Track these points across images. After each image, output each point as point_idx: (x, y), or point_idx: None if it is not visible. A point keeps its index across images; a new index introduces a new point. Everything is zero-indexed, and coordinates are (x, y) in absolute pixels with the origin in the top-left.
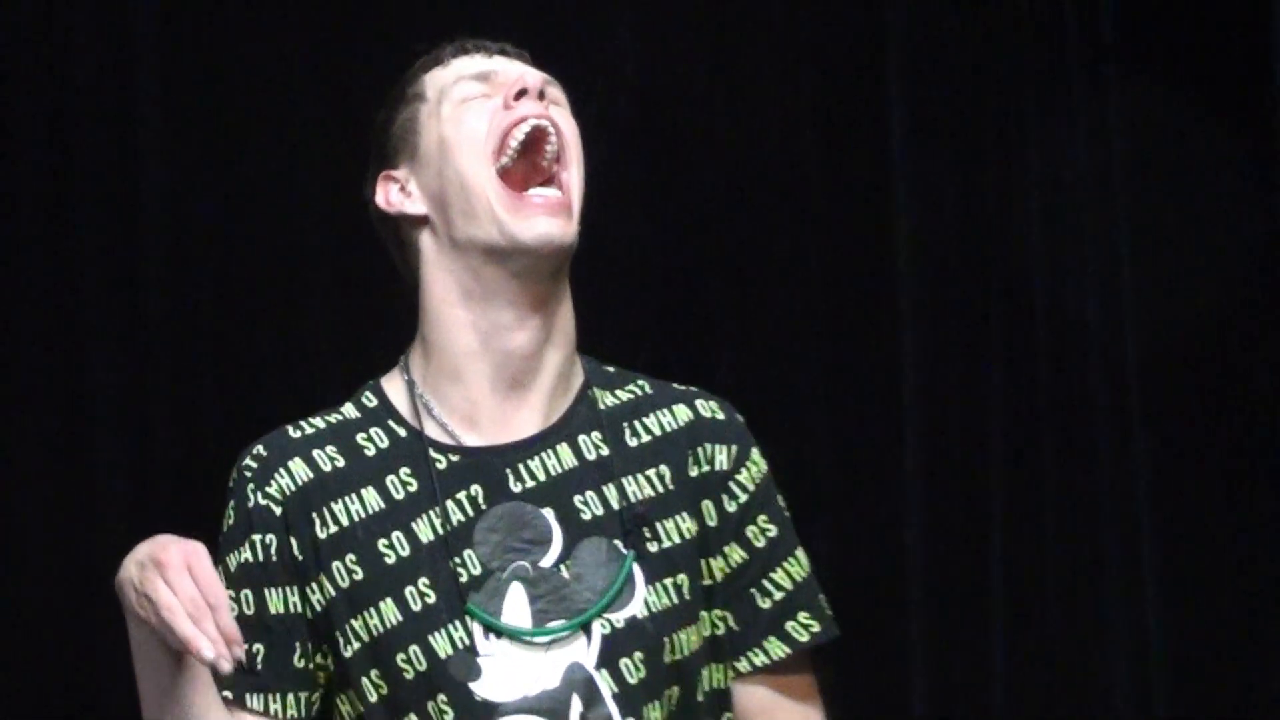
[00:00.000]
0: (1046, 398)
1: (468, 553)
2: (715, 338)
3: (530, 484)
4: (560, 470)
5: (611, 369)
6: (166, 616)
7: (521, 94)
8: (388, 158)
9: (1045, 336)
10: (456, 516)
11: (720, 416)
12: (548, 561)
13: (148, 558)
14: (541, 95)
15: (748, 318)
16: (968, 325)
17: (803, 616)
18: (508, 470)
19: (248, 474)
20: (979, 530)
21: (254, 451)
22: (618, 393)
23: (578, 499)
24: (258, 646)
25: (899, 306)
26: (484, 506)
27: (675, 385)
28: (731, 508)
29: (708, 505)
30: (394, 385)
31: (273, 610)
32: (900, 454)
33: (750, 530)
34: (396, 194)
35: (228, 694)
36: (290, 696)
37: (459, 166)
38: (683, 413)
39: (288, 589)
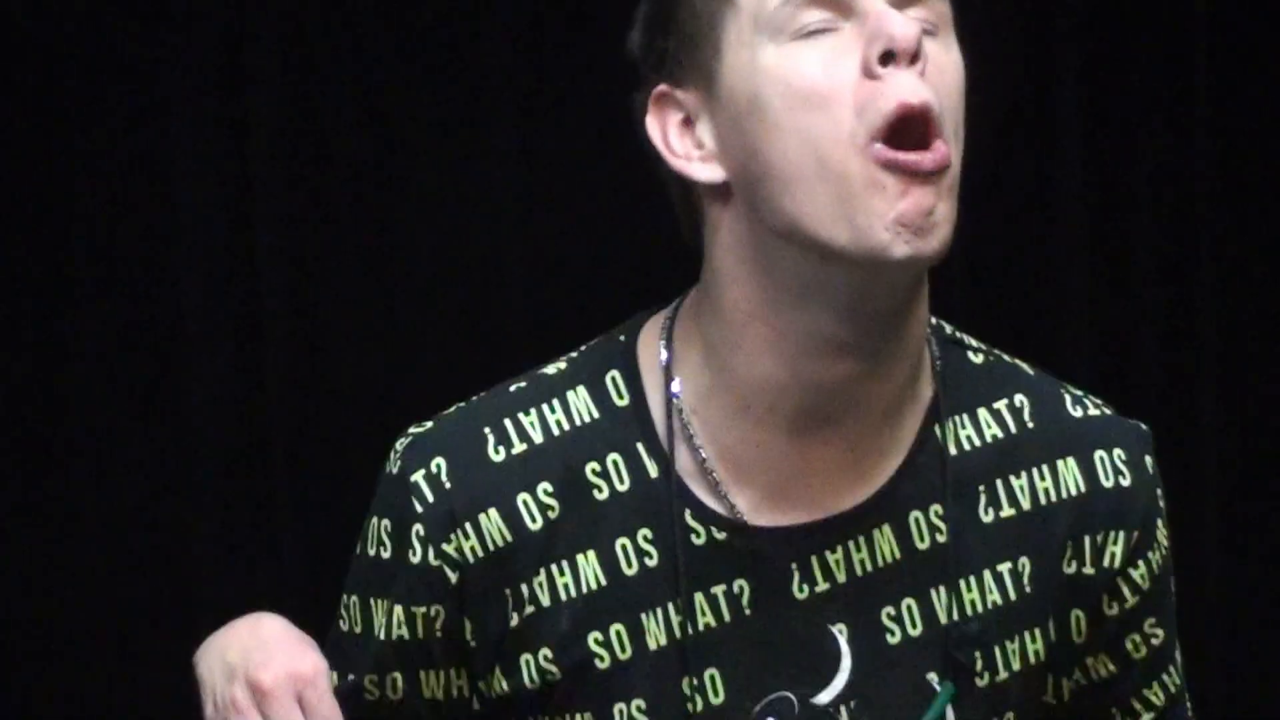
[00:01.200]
0: None
1: (710, 673)
2: None
3: (823, 587)
4: (872, 568)
5: (976, 354)
6: None
7: (889, 57)
8: (665, 60)
9: None
10: (706, 620)
11: (1126, 482)
12: (825, 696)
13: (242, 667)
14: (915, 56)
15: None
16: None
17: None
18: (794, 565)
19: (419, 505)
20: None
21: (430, 468)
22: (982, 421)
23: (887, 612)
24: None
25: None
26: (748, 612)
27: (1071, 402)
28: (1113, 611)
29: (1079, 615)
30: (653, 369)
31: (427, 695)
32: None
33: (1132, 639)
34: (679, 140)
35: None
36: None
37: (786, 144)
38: (1071, 476)
39: (452, 671)
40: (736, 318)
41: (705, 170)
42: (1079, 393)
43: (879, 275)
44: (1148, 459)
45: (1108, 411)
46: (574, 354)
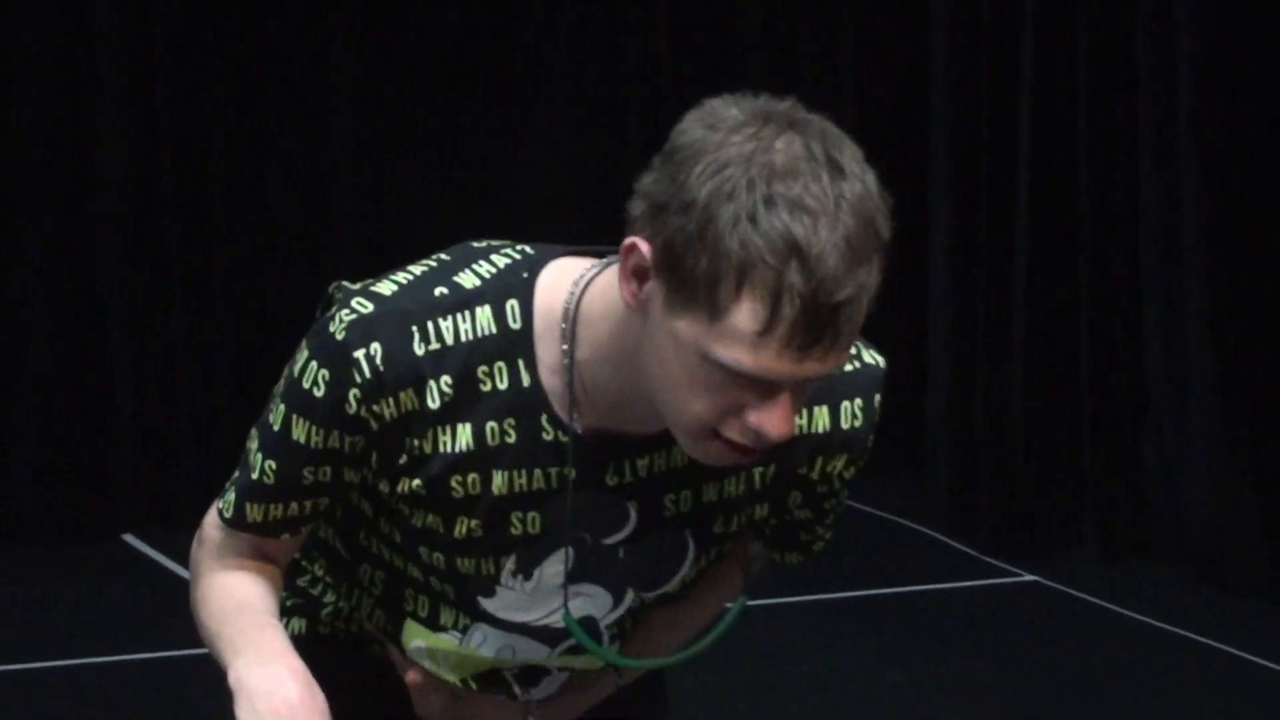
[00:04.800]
0: None
1: (533, 514)
2: None
3: (628, 479)
4: (665, 469)
5: None
6: None
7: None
8: (656, 239)
9: None
10: (538, 485)
11: (859, 424)
12: (611, 540)
13: None
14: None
15: None
16: None
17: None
18: (611, 463)
19: (358, 377)
20: None
21: (369, 350)
22: None
23: (669, 498)
24: (324, 501)
25: None
26: (570, 488)
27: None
28: (822, 490)
29: (796, 494)
30: (548, 309)
31: (346, 479)
32: None
33: (829, 501)
34: (630, 277)
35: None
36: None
37: (672, 379)
38: (822, 420)
39: (365, 468)
40: (608, 352)
41: (634, 301)
42: None
43: None
44: (877, 397)
45: (858, 365)
46: (489, 272)
